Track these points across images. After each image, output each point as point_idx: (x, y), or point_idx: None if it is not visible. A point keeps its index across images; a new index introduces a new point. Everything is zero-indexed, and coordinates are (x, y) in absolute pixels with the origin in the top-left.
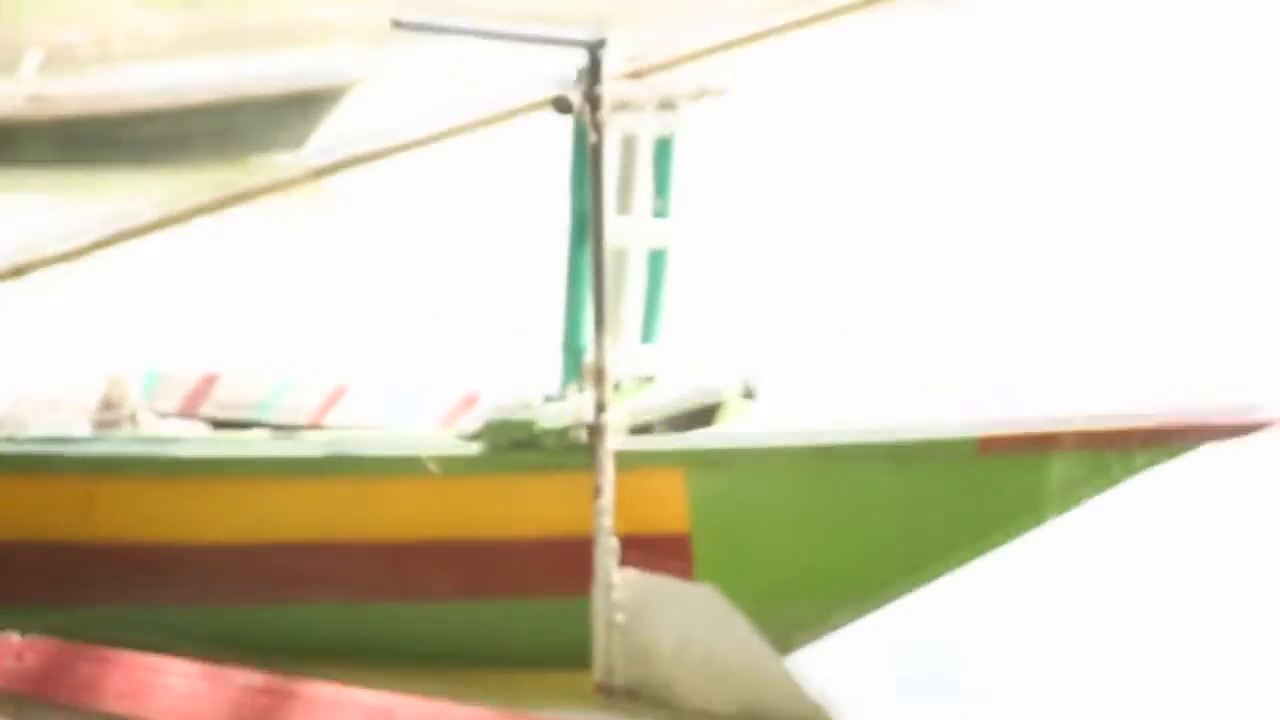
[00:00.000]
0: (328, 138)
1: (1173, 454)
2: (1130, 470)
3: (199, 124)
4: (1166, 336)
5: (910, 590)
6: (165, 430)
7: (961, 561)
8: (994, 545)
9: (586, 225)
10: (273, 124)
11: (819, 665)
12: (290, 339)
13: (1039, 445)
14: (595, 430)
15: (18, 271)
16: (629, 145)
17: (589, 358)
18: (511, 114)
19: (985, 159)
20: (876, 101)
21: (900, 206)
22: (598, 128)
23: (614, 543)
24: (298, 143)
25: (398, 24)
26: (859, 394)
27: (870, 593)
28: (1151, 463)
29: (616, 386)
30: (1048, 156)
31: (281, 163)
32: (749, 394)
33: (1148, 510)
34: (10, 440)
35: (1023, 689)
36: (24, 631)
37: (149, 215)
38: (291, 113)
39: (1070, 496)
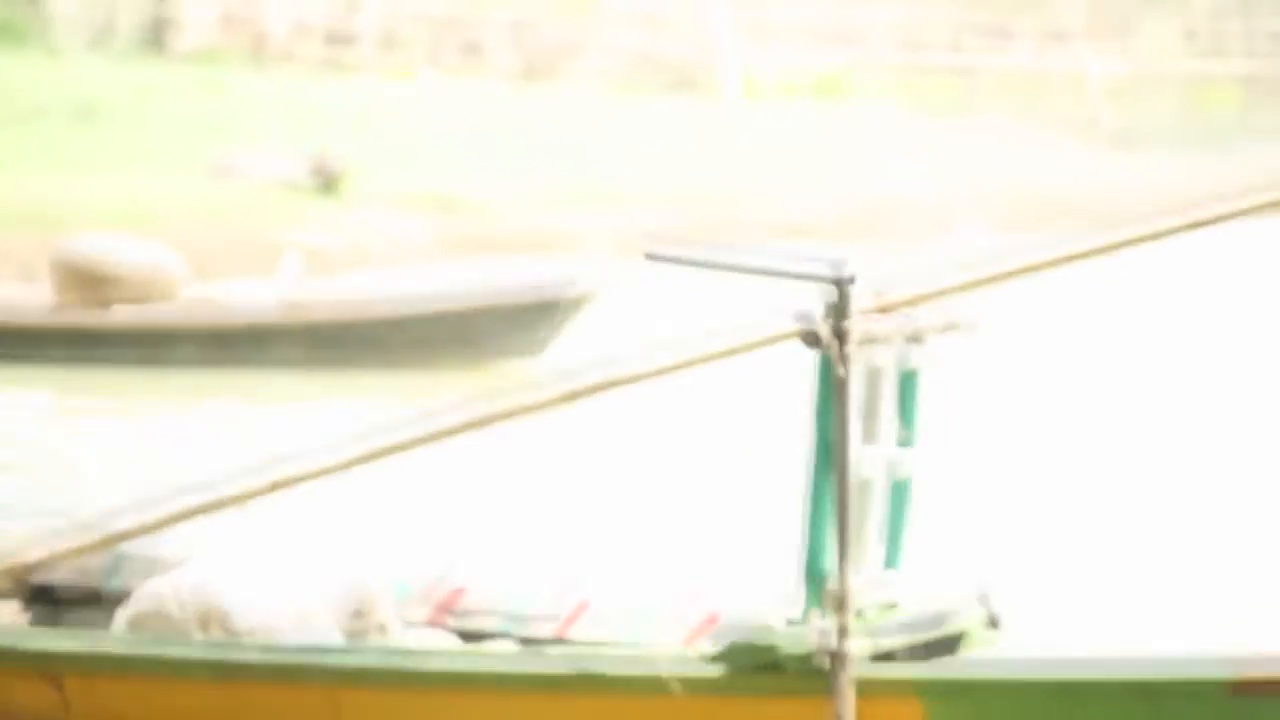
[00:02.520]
0: (566, 345)
1: None
2: None
3: (444, 329)
4: None
5: None
6: (412, 640)
7: None
8: None
9: (830, 452)
10: (515, 330)
11: None
12: (534, 548)
13: None
14: (837, 657)
15: (276, 487)
16: (874, 375)
17: (832, 584)
18: (759, 344)
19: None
20: (1127, 332)
21: (1147, 441)
22: (845, 362)
23: None
24: (537, 349)
25: (651, 256)
26: (1106, 621)
27: None
28: None
29: (859, 613)
30: None
31: (521, 368)
32: (993, 623)
33: None
34: (263, 649)
35: None
36: None
37: (405, 433)
38: (533, 320)
39: None
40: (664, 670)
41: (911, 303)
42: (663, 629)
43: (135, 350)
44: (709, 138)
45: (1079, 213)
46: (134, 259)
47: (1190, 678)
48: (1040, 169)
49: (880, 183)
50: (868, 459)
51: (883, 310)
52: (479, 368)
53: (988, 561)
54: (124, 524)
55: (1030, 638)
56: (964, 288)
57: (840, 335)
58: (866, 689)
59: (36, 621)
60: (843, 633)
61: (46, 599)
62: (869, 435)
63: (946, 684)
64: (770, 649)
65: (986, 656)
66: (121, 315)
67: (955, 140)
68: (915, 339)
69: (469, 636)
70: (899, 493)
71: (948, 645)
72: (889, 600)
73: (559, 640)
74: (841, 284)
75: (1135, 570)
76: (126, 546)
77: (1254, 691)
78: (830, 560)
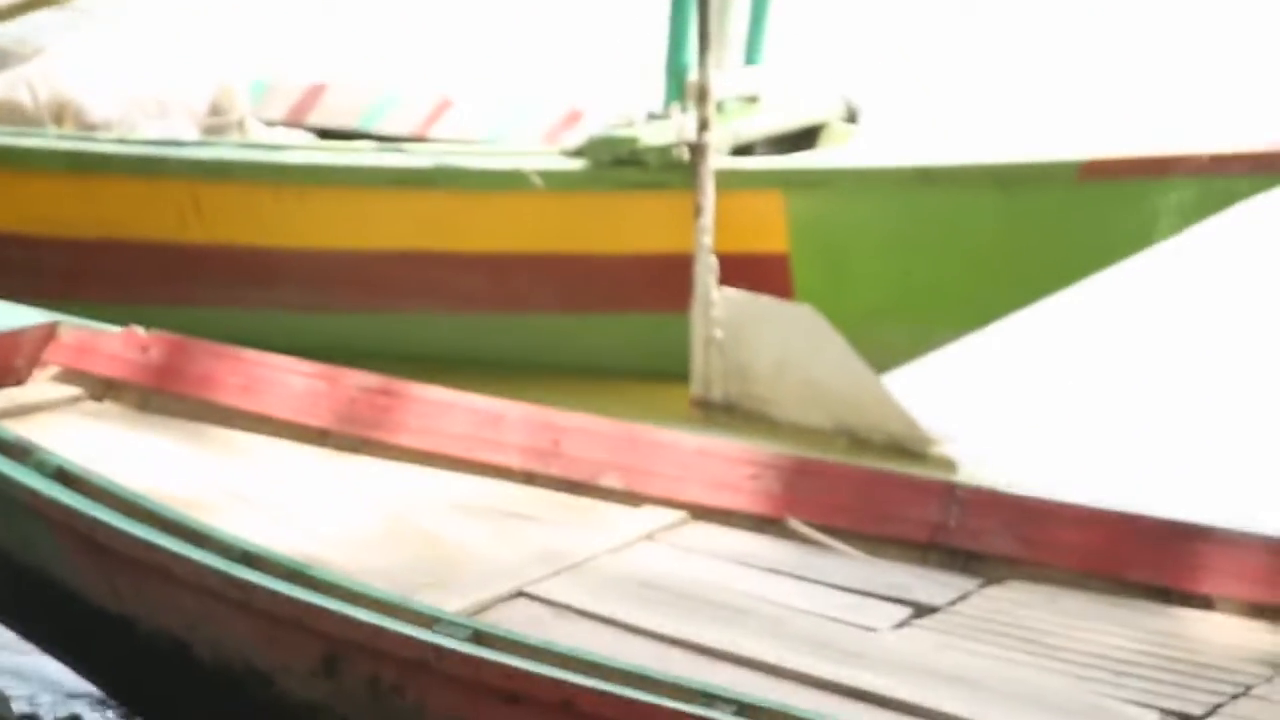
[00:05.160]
0: None
1: (1275, 181)
2: (1233, 197)
3: None
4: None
5: (1008, 314)
6: (272, 137)
7: (1060, 287)
8: (1093, 271)
9: None
10: None
11: (913, 386)
12: (396, 50)
13: (1141, 170)
14: (697, 149)
15: None
16: None
17: (693, 77)
18: None
19: None
20: None
21: None
22: None
23: (714, 261)
24: None
25: None
26: (963, 119)
27: (968, 316)
28: (1255, 189)
29: (720, 107)
30: None
31: None
32: (851, 117)
33: (1251, 238)
34: (120, 142)
35: (1117, 419)
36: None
37: None
38: None
39: (1172, 223)
40: (525, 166)
41: None
42: (525, 126)
43: None
44: None
45: None
46: None
47: (1040, 162)
48: None
49: None
50: None
51: None
52: None
53: (848, 57)
54: None
55: (887, 132)
56: None
57: None
58: (727, 182)
59: None
60: (703, 125)
61: None
62: None
63: (806, 175)
64: (631, 142)
65: (845, 150)
66: None
67: None
68: None
69: (328, 134)
70: None
71: (807, 139)
72: (750, 94)
73: (419, 138)
74: None
75: (996, 64)
76: None
77: (1102, 174)
78: (692, 54)
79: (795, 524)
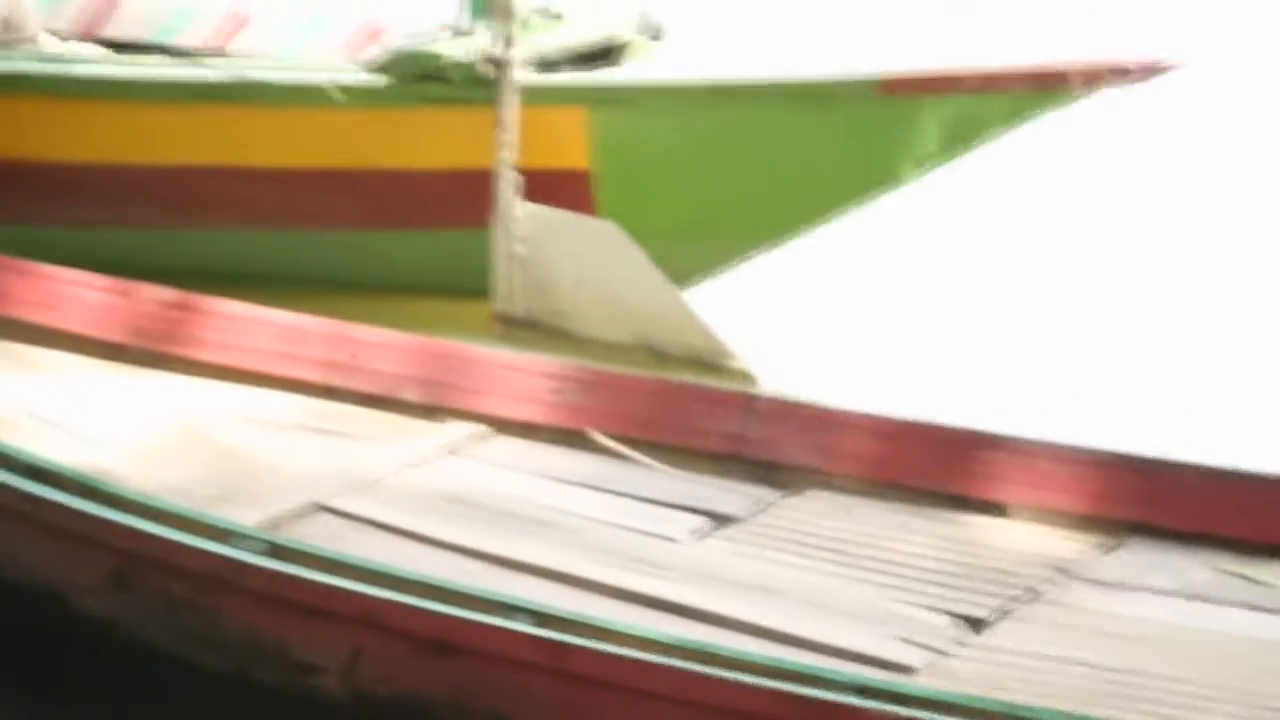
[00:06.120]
0: None
1: (1071, 98)
2: (1029, 113)
3: None
4: None
5: (808, 229)
6: (64, 51)
7: (860, 202)
8: (892, 187)
9: None
10: None
11: (713, 301)
12: None
13: (939, 86)
14: (500, 65)
15: None
16: None
17: None
18: None
19: None
20: None
21: None
22: None
23: (516, 176)
24: None
25: None
26: (765, 40)
27: (768, 231)
28: (1050, 106)
29: (524, 23)
30: None
31: None
32: (654, 35)
33: (1046, 155)
34: None
35: (916, 329)
36: None
37: None
38: None
39: (969, 139)
40: (325, 81)
41: None
42: (323, 40)
43: None
44: None
45: None
46: None
47: (839, 79)
48: None
49: None
50: None
51: None
52: None
53: None
54: None
55: (689, 50)
56: None
57: None
58: (530, 98)
59: None
60: (507, 41)
61: None
62: None
63: (608, 91)
64: (434, 57)
65: (647, 67)
66: None
67: None
68: None
69: (121, 48)
70: None
71: (611, 56)
72: (554, 11)
73: (216, 52)
74: None
75: None
76: None
77: (900, 90)
78: None
79: (596, 436)
